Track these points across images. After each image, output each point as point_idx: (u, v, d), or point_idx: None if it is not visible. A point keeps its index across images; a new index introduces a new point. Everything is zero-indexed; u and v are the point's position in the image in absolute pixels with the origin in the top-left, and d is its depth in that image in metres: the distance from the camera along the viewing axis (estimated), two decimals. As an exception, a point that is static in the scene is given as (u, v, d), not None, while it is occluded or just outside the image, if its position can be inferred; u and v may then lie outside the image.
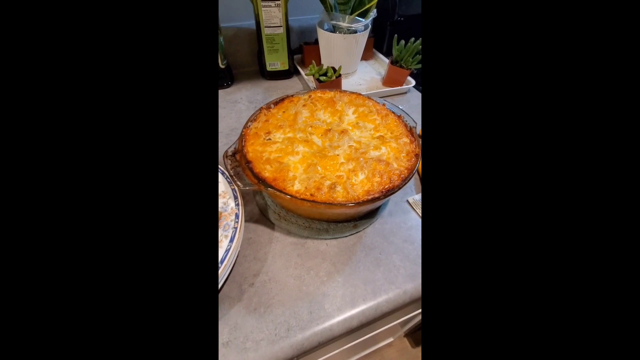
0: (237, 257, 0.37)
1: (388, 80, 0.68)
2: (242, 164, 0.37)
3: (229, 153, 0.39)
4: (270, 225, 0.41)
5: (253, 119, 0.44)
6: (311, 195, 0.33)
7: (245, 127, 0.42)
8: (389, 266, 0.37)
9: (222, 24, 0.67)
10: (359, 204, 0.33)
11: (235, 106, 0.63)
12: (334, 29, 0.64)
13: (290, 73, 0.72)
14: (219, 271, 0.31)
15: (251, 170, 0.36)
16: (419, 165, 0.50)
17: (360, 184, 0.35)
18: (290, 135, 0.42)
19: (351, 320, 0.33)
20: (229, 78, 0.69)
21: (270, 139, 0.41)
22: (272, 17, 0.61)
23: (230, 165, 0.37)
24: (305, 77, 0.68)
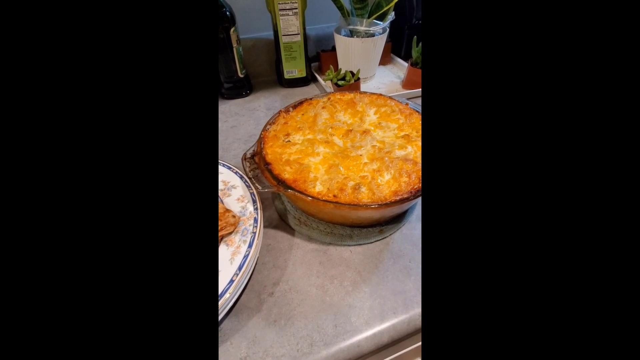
0: (256, 264, 0.35)
1: (408, 83, 0.66)
2: (260, 166, 0.36)
3: (248, 155, 0.37)
4: (290, 231, 0.39)
5: (272, 122, 0.43)
6: (334, 196, 0.31)
7: (264, 130, 0.41)
8: (420, 275, 0.34)
9: (241, 36, 0.68)
10: (386, 205, 0.30)
11: (253, 113, 0.63)
12: (352, 34, 0.63)
13: (307, 80, 0.72)
14: (237, 279, 0.29)
15: (270, 172, 0.35)
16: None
17: (386, 185, 0.33)
18: (310, 136, 0.40)
19: (381, 335, 0.30)
20: (248, 87, 0.69)
21: (289, 141, 0.39)
22: (290, 26, 0.62)
23: (249, 167, 0.36)
24: (323, 83, 0.67)
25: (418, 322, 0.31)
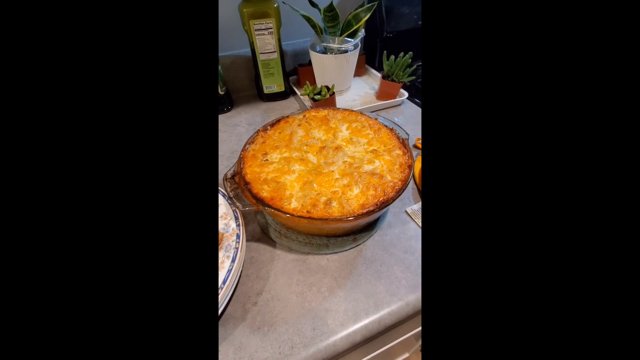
0: (240, 276, 0.38)
1: (381, 94, 0.71)
2: (241, 186, 0.39)
3: (228, 176, 0.40)
4: (271, 243, 0.42)
5: (250, 141, 0.46)
6: (307, 212, 0.34)
7: (244, 149, 0.44)
8: (390, 278, 0.37)
9: (220, 54, 0.71)
10: (354, 217, 0.34)
11: (235, 129, 0.66)
12: (326, 50, 0.67)
13: (286, 94, 0.75)
14: (222, 292, 0.32)
15: (250, 191, 0.38)
16: (417, 176, 0.51)
17: (355, 198, 0.36)
18: (286, 154, 0.43)
19: (354, 335, 0.33)
20: (229, 103, 0.72)
21: (267, 160, 0.42)
22: (266, 44, 0.65)
23: (230, 187, 0.39)
24: (301, 96, 0.71)
25: (387, 320, 0.34)
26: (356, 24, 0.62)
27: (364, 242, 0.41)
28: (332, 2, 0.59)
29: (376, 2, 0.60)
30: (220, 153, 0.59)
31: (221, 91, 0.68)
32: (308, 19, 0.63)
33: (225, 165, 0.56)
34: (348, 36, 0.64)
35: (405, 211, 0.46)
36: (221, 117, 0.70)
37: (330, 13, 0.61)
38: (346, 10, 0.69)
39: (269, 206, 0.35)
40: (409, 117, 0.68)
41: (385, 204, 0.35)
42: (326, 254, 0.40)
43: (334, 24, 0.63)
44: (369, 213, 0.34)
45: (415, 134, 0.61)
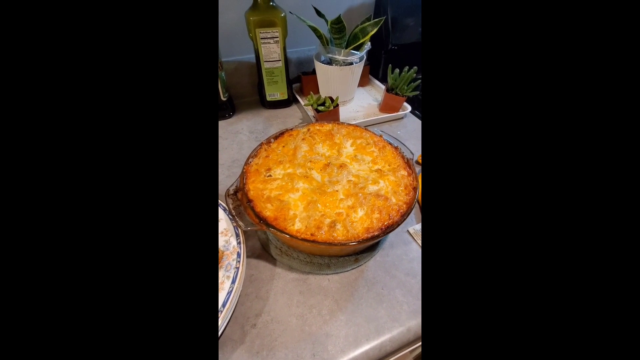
0: (240, 296, 0.37)
1: (385, 107, 0.70)
2: (243, 203, 0.38)
3: (231, 192, 0.39)
4: (272, 260, 0.41)
5: (254, 154, 0.45)
6: (312, 234, 0.34)
7: (246, 163, 0.43)
8: (391, 302, 0.37)
9: (223, 59, 0.70)
10: (358, 242, 0.33)
11: (236, 137, 0.65)
12: (331, 61, 0.66)
13: (289, 102, 0.75)
14: (221, 315, 0.31)
15: (252, 209, 0.37)
16: (419, 195, 0.50)
17: (359, 221, 0.36)
18: (290, 170, 0.43)
19: (355, 361, 0.33)
20: (231, 109, 0.71)
21: (270, 176, 0.42)
22: (271, 53, 0.64)
23: (232, 204, 0.38)
24: (304, 106, 0.70)
25: (388, 347, 0.34)
26: (363, 37, 0.61)
27: (365, 262, 0.41)
28: (339, 15, 0.59)
29: (384, 18, 0.60)
30: (220, 162, 0.58)
31: (223, 97, 0.67)
32: (314, 30, 0.63)
33: (226, 174, 0.55)
34: (354, 49, 0.64)
35: (408, 231, 0.46)
36: (223, 124, 0.69)
37: (338, 25, 0.61)
38: (353, 22, 0.69)
39: (273, 227, 0.34)
40: (412, 130, 0.68)
41: (390, 228, 0.35)
42: (327, 274, 0.40)
43: (340, 35, 0.63)
44: (373, 238, 0.34)
45: (418, 149, 0.61)
